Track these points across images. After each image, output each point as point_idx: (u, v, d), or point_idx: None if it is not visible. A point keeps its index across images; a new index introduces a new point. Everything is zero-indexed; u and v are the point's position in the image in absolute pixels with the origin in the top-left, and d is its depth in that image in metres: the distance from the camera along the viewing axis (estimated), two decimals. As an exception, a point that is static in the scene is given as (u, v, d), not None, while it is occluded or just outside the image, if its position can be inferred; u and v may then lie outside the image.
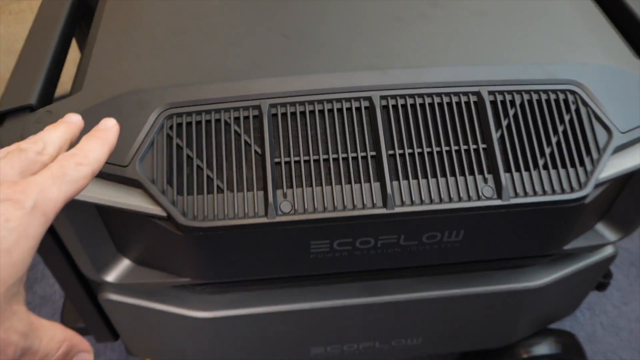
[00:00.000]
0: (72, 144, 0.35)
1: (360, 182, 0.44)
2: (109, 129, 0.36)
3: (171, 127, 0.45)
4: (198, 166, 0.44)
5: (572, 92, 0.47)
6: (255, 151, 0.44)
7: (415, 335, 0.65)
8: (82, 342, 0.32)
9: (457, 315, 0.61)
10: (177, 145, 0.44)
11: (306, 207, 0.43)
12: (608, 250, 0.61)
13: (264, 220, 0.43)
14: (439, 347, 0.69)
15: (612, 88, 0.48)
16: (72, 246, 0.50)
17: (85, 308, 0.62)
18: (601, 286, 0.80)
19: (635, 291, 1.00)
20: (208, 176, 0.44)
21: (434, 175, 0.44)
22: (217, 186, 0.43)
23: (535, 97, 0.47)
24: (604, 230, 0.56)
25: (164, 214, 0.43)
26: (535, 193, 0.44)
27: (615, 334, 0.95)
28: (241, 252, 0.46)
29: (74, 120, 0.36)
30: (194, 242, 0.44)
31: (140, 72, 0.47)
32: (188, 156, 0.44)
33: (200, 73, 0.47)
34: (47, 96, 0.49)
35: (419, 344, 0.66)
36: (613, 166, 0.46)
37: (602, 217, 0.56)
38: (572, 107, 0.47)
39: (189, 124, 0.45)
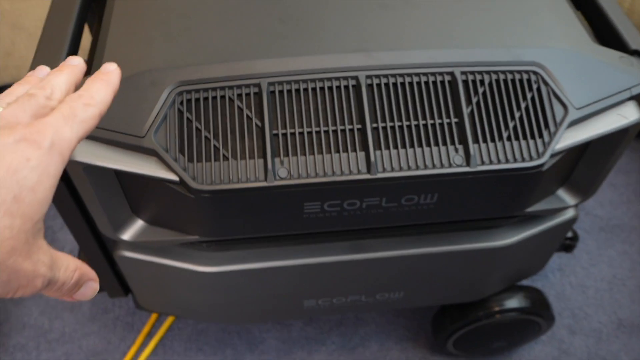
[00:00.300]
0: (77, 86, 0.36)
1: (347, 152, 0.50)
2: (111, 71, 0.37)
3: (182, 103, 0.51)
4: (206, 137, 0.50)
5: (535, 73, 0.53)
6: (256, 124, 0.51)
7: (398, 289, 0.72)
8: (90, 271, 0.34)
9: (434, 271, 0.69)
10: (187, 118, 0.50)
11: (300, 172, 0.50)
12: (569, 213, 0.68)
13: (264, 184, 0.49)
14: (419, 300, 0.76)
15: (570, 69, 0.54)
16: (92, 207, 0.56)
17: (100, 265, 0.68)
18: (569, 247, 0.87)
19: (602, 254, 1.08)
20: (215, 146, 0.50)
21: (412, 146, 0.51)
22: (223, 155, 0.50)
23: (502, 77, 0.53)
24: (564, 195, 0.63)
25: (176, 178, 0.49)
26: (499, 161, 0.51)
27: (582, 292, 1.03)
28: (243, 212, 0.53)
29: (76, 63, 0.37)
30: (203, 204, 0.51)
31: (153, 54, 0.53)
32: (197, 128, 0.50)
33: (206, 54, 0.53)
34: (69, 74, 0.55)
35: (400, 297, 0.74)
36: (568, 138, 0.53)
37: (563, 184, 0.63)
38: (534, 86, 0.53)
39: (197, 100, 0.51)
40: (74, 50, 0.57)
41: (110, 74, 0.37)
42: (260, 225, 0.55)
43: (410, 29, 0.55)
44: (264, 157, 0.49)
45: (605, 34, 0.61)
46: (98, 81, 0.36)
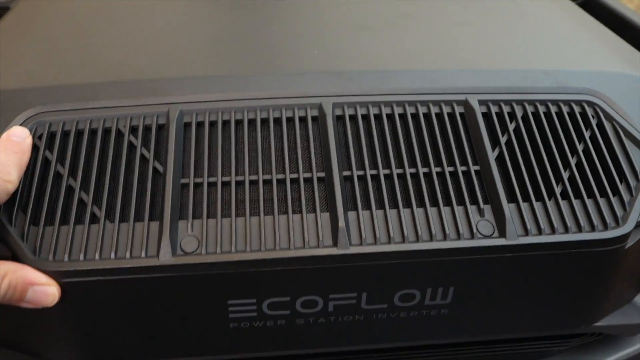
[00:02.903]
0: None
1: (301, 212, 0.31)
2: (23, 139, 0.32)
3: (40, 137, 0.32)
4: (70, 186, 0.31)
5: (590, 103, 0.35)
6: (155, 169, 0.32)
7: None
8: (28, 276, 0.28)
9: None
10: (45, 158, 0.32)
11: (220, 244, 0.29)
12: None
13: (154, 262, 0.29)
14: None
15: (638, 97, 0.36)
16: None
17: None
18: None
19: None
20: (81, 200, 0.30)
21: (408, 205, 0.31)
22: (92, 213, 0.30)
23: (542, 108, 0.35)
24: (647, 304, 0.41)
25: (7, 252, 0.29)
26: (553, 230, 0.31)
27: None
28: (124, 316, 0.31)
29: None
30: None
31: (16, 72, 0.36)
32: (58, 173, 0.31)
33: (91, 71, 0.35)
34: None
35: None
36: (659, 197, 0.33)
37: (642, 287, 0.42)
38: (593, 121, 0.35)
39: (66, 133, 0.33)
40: None
41: (20, 144, 0.32)
42: (156, 341, 0.33)
43: (400, 48, 0.39)
44: (161, 218, 0.29)
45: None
46: (11, 153, 0.31)
